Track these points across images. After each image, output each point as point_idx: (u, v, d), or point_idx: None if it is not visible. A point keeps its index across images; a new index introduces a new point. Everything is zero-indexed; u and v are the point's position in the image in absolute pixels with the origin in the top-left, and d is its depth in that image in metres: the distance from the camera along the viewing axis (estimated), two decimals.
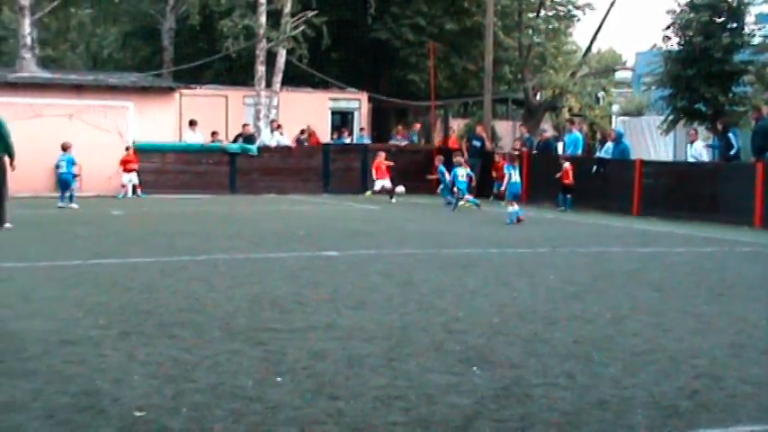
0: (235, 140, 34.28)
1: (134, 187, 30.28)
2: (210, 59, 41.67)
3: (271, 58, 37.87)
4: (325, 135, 39.24)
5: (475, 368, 7.79)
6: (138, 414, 6.36)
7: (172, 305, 10.53)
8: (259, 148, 33.36)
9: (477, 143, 33.07)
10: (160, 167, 31.56)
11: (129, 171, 30.23)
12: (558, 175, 27.52)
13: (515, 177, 22.97)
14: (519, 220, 21.90)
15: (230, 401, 6.69)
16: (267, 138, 35.31)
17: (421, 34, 45.34)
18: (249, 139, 33.82)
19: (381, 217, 23.15)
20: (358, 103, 43.43)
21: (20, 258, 14.45)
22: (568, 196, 27.34)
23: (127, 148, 30.15)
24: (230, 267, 13.88)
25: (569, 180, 27.35)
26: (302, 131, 36.89)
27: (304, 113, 38.74)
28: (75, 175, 26.50)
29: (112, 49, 57.18)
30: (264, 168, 33.18)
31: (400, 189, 28.29)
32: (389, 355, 8.20)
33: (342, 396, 6.88)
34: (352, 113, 43.59)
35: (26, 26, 36.13)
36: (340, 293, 11.54)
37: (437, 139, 43.73)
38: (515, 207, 22.28)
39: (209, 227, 20.57)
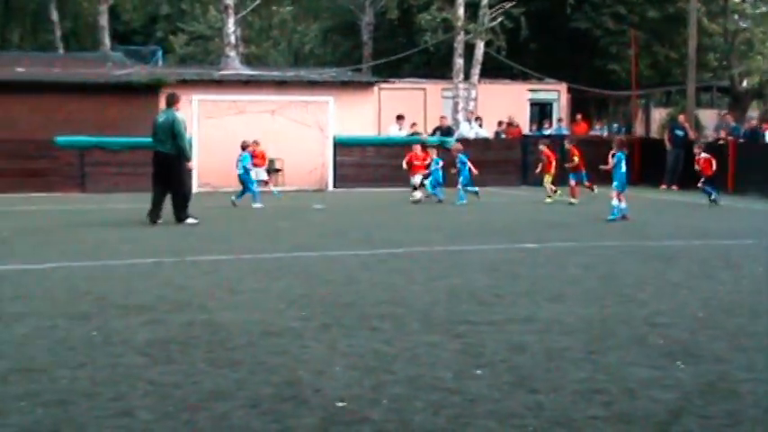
0: (433, 133, 34.39)
1: (263, 183, 30.53)
2: (409, 53, 41.94)
3: (469, 50, 37.83)
4: (523, 126, 38.99)
5: (679, 362, 7.63)
6: (339, 405, 6.45)
7: (372, 297, 10.65)
8: (458, 141, 33.37)
9: (679, 133, 32.31)
10: (360, 161, 31.93)
11: (258, 166, 30.50)
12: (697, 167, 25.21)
13: (624, 167, 20.82)
14: (624, 218, 20.04)
15: (429, 393, 6.73)
16: (465, 130, 35.32)
17: (621, 23, 44.60)
18: (447, 131, 33.89)
19: (579, 210, 22.86)
20: (557, 93, 42.97)
21: (225, 251, 14.87)
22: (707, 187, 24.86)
23: (255, 143, 30.36)
24: (429, 260, 13.95)
25: (708, 171, 24.81)
26: (509, 123, 36.71)
27: (502, 105, 38.57)
28: (254, 175, 27.09)
29: (313, 45, 58.18)
30: None
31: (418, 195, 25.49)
32: (589, 348, 8.11)
33: (541, 389, 6.84)
34: (551, 104, 43.18)
35: (230, 25, 37.12)
36: (539, 286, 11.47)
37: (639, 129, 42.89)
38: (623, 203, 20.32)
39: (407, 220, 20.71)
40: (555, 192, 25.43)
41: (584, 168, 25.16)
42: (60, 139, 29.61)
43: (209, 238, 16.86)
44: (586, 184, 25.19)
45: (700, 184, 24.89)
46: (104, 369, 7.40)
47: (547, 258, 14.10)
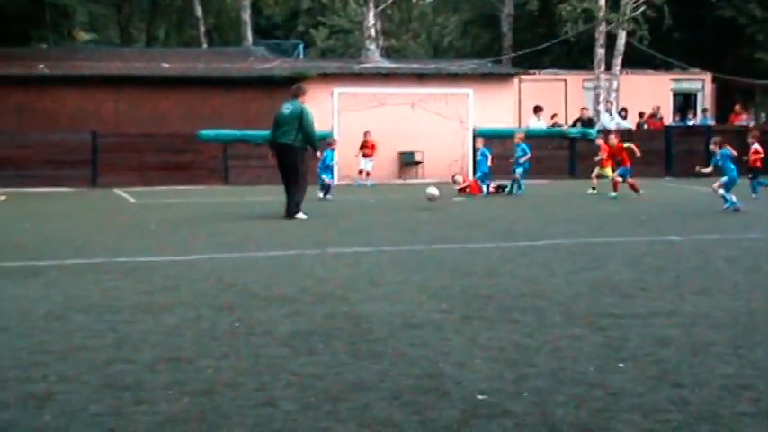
0: (574, 125, 34.09)
1: (366, 174, 30.50)
2: (549, 44, 41.60)
3: (610, 40, 37.38)
4: (666, 117, 38.33)
5: None
6: (480, 397, 6.42)
7: (512, 290, 10.59)
8: (598, 132, 33.02)
9: None
10: (501, 153, 31.76)
11: (367, 157, 30.48)
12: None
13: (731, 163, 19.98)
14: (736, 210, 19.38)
15: (571, 387, 6.65)
16: (606, 121, 34.91)
17: None
18: (588, 122, 33.55)
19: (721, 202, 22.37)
20: (701, 83, 42.09)
21: (366, 243, 14.95)
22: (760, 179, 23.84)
23: (365, 134, 30.30)
24: (570, 252, 13.81)
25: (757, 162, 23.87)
26: (652, 115, 36.16)
27: (645, 96, 38.00)
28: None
29: (453, 37, 58.10)
30: None
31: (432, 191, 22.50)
32: (736, 343, 7.92)
33: (686, 384, 6.70)
34: (695, 95, 42.32)
35: (370, 18, 37.39)
36: (683, 279, 11.25)
37: None
38: (731, 196, 19.71)
39: (547, 211, 20.55)
40: (594, 188, 25.18)
41: (630, 164, 24.34)
42: (204, 132, 30.20)
43: (350, 230, 16.99)
44: (629, 181, 24.19)
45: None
46: (247, 360, 7.50)
47: (691, 251, 13.84)
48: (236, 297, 10.23)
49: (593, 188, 25.33)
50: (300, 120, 19.12)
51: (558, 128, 33.60)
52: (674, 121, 38.44)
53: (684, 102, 41.86)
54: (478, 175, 25.63)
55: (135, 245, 15.06)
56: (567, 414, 6.05)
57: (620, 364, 7.26)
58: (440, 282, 11.14)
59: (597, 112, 36.09)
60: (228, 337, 8.27)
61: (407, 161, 32.16)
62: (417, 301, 9.88)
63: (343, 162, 30.06)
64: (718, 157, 20.27)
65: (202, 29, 50.52)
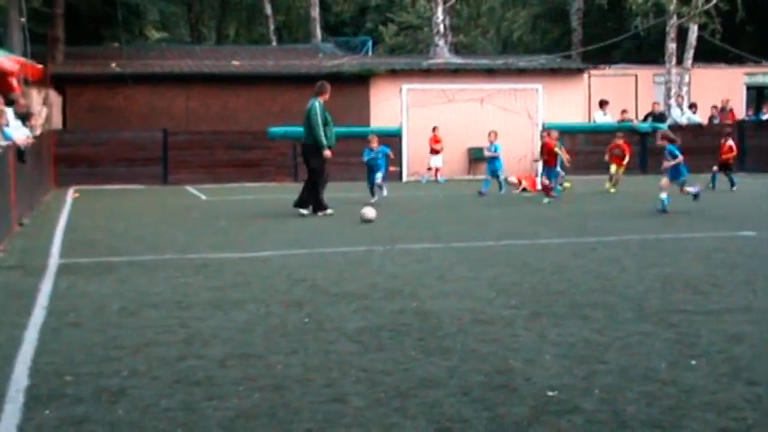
0: (645, 119, 33.80)
1: (435, 171, 30.33)
2: (619, 39, 41.25)
3: (682, 34, 36.99)
4: (739, 112, 37.83)
5: None
6: (550, 394, 6.39)
7: (583, 286, 10.53)
8: (669, 127, 32.69)
9: None
10: (570, 148, 31.55)
11: (435, 153, 30.35)
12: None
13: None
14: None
15: (642, 384, 6.59)
16: (677, 115, 34.57)
17: None
18: (660, 117, 33.25)
19: None
20: None
21: (435, 239, 14.95)
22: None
23: (434, 129, 30.12)
24: (641, 248, 13.70)
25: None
26: (722, 109, 35.75)
27: (717, 90, 37.55)
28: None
29: (522, 32, 57.86)
30: None
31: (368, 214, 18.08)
32: None
33: (760, 381, 6.60)
34: None
35: (439, 14, 37.40)
36: (757, 275, 11.11)
37: None
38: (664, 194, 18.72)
39: (619, 206, 20.39)
40: (614, 185, 24.49)
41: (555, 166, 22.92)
42: (273, 129, 30.36)
43: (420, 227, 16.98)
44: (544, 182, 22.99)
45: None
46: (317, 356, 7.53)
47: (765, 247, 13.66)
48: (305, 293, 10.27)
49: (613, 187, 24.76)
50: (308, 118, 19.38)
51: (628, 122, 33.28)
52: (747, 115, 37.91)
53: (758, 96, 41.26)
54: (491, 171, 24.69)
55: (206, 241, 15.18)
56: (638, 411, 5.99)
57: (693, 361, 7.18)
58: (509, 278, 11.11)
59: (668, 107, 35.73)
60: (298, 333, 8.30)
61: (477, 157, 32.06)
62: (487, 298, 9.86)
63: (412, 158, 30.09)
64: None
65: (272, 26, 50.81)
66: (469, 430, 5.71)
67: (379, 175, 21.89)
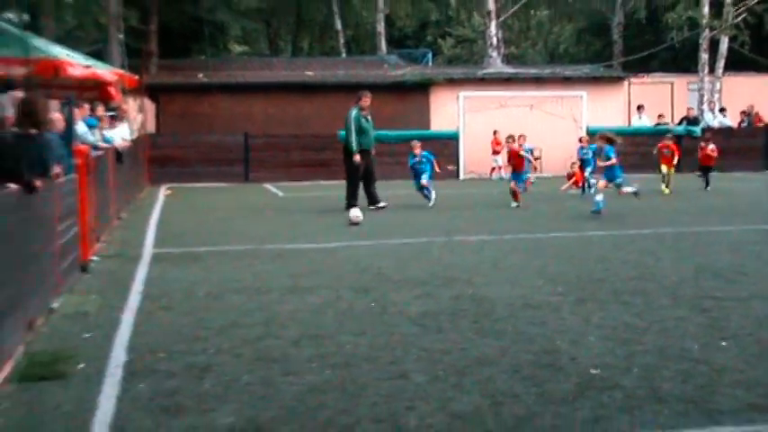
0: (680, 123, 33.44)
1: (495, 169, 30.08)
2: (656, 50, 40.84)
3: (714, 45, 36.56)
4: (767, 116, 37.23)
5: None
6: (593, 372, 6.37)
7: (623, 274, 10.46)
8: (702, 129, 32.33)
9: None
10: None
11: (497, 153, 30.13)
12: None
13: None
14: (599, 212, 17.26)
15: (678, 363, 6.55)
16: (710, 119, 34.22)
17: None
18: (694, 121, 32.90)
19: None
20: None
21: (489, 232, 14.91)
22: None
23: (494, 133, 29.87)
24: (675, 240, 13.56)
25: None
26: (746, 113, 35.23)
27: (747, 97, 37.02)
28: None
29: (567, 44, 57.54)
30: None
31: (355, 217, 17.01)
32: None
33: None
34: None
35: (493, 28, 37.25)
36: None
37: None
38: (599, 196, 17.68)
39: (654, 203, 20.18)
40: (667, 186, 23.76)
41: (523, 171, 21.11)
42: (343, 133, 30.39)
43: (475, 220, 16.94)
44: (512, 185, 20.64)
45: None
46: (382, 336, 7.55)
47: None
48: (371, 280, 10.30)
49: (666, 187, 24.15)
50: (345, 123, 19.60)
51: (664, 126, 32.92)
52: None
53: None
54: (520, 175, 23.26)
55: (282, 233, 15.26)
56: (673, 388, 5.96)
57: (723, 343, 7.11)
58: (556, 267, 11.06)
59: (701, 112, 35.33)
60: (365, 316, 8.33)
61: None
62: (536, 285, 9.83)
63: (468, 159, 30.03)
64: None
65: (342, 40, 50.83)
66: (520, 404, 5.71)
67: (424, 177, 21.08)
